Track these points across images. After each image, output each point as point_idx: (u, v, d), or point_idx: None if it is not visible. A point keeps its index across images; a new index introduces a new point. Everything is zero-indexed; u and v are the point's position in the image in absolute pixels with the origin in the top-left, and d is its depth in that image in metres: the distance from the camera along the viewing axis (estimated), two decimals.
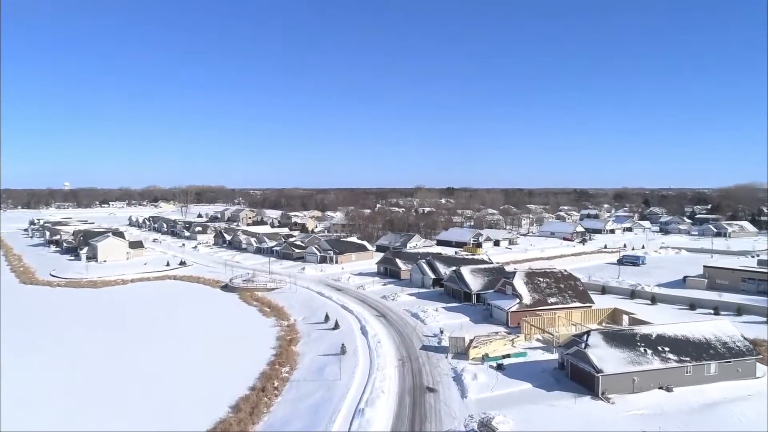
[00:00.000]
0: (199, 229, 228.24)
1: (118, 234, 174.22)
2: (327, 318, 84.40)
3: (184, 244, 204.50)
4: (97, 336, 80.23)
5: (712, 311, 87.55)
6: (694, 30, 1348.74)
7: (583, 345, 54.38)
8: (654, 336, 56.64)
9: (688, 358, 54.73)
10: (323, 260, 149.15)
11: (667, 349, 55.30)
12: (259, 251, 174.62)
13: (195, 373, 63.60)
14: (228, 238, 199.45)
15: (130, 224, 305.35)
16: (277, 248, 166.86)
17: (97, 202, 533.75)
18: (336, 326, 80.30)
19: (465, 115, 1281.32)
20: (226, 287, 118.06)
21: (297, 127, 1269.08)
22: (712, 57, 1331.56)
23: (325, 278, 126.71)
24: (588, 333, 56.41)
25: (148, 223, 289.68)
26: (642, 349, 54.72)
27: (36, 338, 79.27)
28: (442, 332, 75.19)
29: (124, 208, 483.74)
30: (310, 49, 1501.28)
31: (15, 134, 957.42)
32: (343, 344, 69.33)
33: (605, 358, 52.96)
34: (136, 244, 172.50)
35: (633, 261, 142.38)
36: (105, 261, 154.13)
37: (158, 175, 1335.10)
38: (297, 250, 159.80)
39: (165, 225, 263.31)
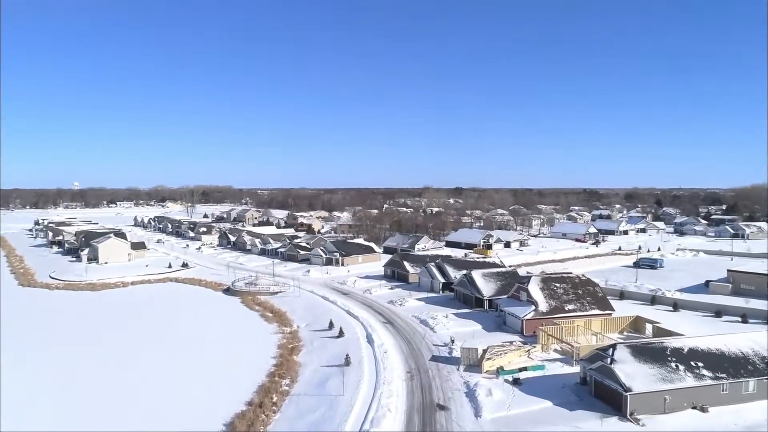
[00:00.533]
0: (204, 229, 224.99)
1: (120, 235, 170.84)
2: (331, 325, 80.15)
3: (187, 245, 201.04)
4: (89, 341, 76.64)
5: (739, 319, 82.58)
6: (700, 30, 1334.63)
7: (608, 360, 49.66)
8: (686, 350, 51.80)
9: (724, 375, 49.88)
10: (329, 262, 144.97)
11: (700, 364, 50.47)
12: (263, 253, 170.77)
13: (190, 384, 59.79)
14: (232, 239, 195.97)
15: (136, 224, 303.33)
16: (282, 250, 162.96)
17: (105, 202, 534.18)
18: (340, 334, 76.02)
19: (472, 115, 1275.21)
20: (228, 290, 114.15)
21: (305, 127, 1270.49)
22: (721, 56, 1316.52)
23: (331, 281, 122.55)
24: (614, 346, 51.66)
25: (153, 223, 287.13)
26: (673, 364, 49.92)
27: (28, 342, 76.05)
28: (452, 341, 70.70)
29: (131, 208, 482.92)
30: (317, 50, 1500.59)
31: (26, 135, 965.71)
32: (347, 354, 65.08)
33: (633, 374, 48.24)
34: (138, 245, 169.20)
35: (650, 264, 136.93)
36: (106, 262, 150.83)
37: (166, 175, 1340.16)
38: (302, 252, 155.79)
39: (170, 225, 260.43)
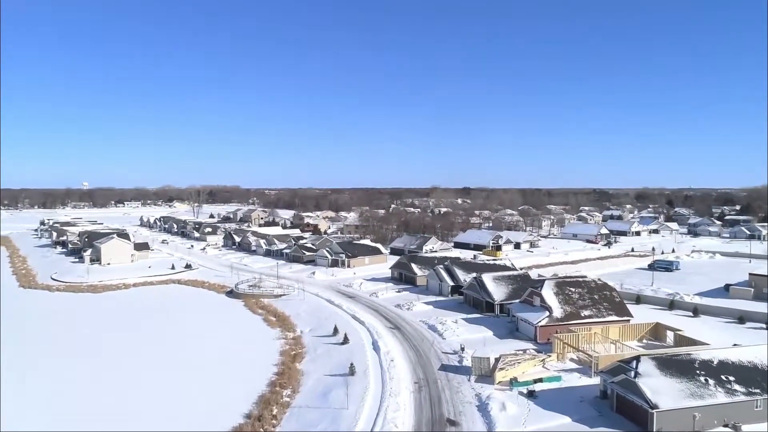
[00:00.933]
0: (209, 230, 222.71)
1: (123, 235, 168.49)
2: (336, 330, 76.92)
3: (192, 246, 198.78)
4: (88, 344, 74.48)
5: (764, 326, 78.52)
6: (701, 30, 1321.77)
7: (632, 373, 46.08)
8: (716, 362, 48.11)
9: (758, 390, 46.08)
10: (334, 264, 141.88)
11: (732, 378, 46.74)
12: (268, 254, 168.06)
13: (188, 391, 57.32)
14: (237, 239, 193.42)
15: (141, 224, 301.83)
16: (287, 251, 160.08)
17: (113, 202, 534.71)
18: (345, 340, 72.81)
19: (473, 115, 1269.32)
20: (231, 293, 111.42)
21: (309, 127, 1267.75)
22: (724, 56, 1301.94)
23: (336, 284, 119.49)
24: (637, 358, 48.06)
25: (158, 223, 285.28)
26: (703, 378, 46.23)
27: (28, 343, 74.22)
28: (463, 349, 67.24)
29: (138, 208, 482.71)
30: (324, 49, 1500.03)
31: (35, 135, 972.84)
32: (352, 363, 61.86)
33: (660, 390, 44.62)
34: (142, 246, 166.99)
35: (666, 266, 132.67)
36: (109, 263, 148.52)
37: (174, 175, 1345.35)
38: (307, 253, 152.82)
39: (175, 225, 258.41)
